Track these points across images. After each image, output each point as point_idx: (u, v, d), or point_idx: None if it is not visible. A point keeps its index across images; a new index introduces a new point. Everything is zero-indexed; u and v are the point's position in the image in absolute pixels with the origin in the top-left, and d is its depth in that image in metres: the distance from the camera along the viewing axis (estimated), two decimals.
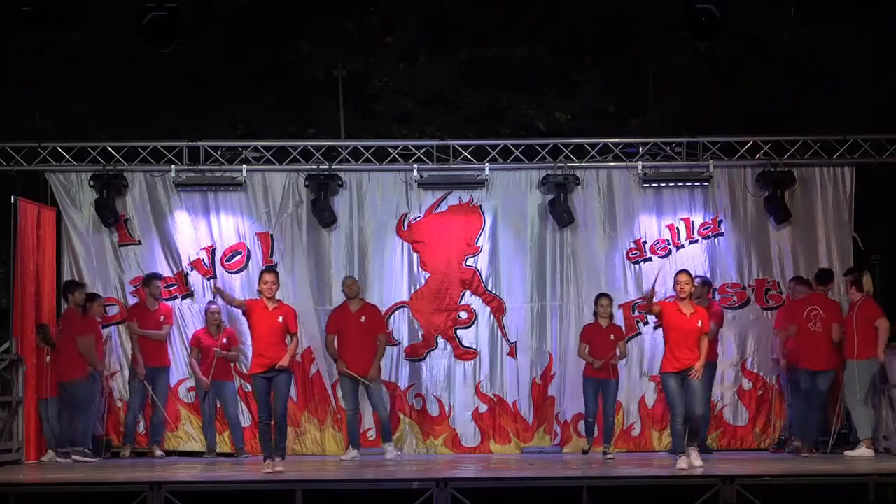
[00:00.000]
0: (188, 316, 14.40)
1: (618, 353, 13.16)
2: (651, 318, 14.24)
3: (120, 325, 14.34)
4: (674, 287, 11.60)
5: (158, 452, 13.98)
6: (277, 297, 11.74)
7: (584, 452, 13.33)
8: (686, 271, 11.73)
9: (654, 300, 11.73)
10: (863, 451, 12.69)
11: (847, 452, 12.79)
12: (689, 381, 11.37)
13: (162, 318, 14.11)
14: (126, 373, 14.21)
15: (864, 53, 15.79)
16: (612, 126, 16.23)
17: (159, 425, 14.09)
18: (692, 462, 11.33)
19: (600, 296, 13.38)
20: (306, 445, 14.27)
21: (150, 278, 14.14)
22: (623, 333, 13.49)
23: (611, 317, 13.34)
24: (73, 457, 13.26)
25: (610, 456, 12.98)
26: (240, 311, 12.28)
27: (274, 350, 11.45)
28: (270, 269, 12.20)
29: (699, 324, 11.44)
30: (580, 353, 13.31)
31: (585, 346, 13.23)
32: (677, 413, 11.43)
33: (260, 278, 11.70)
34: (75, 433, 13.42)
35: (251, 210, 14.53)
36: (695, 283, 13.17)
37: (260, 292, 11.59)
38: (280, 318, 11.50)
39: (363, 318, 13.49)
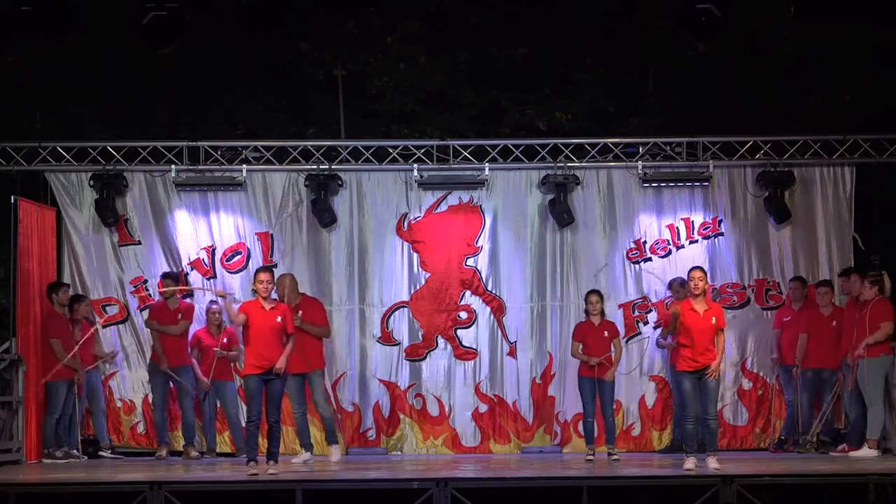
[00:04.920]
0: None
1: (612, 351, 12.92)
2: (651, 318, 14.27)
3: (120, 326, 14.34)
4: (687, 283, 11.51)
5: (194, 453, 13.76)
6: (274, 296, 11.63)
7: (589, 459, 12.70)
8: (700, 268, 11.58)
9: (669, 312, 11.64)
10: (866, 452, 12.66)
11: (851, 452, 12.77)
12: (706, 381, 11.22)
13: (180, 315, 13.99)
14: (129, 370, 14.24)
15: (864, 53, 15.76)
16: (612, 126, 16.20)
17: (191, 426, 13.89)
18: (710, 465, 11.06)
19: (590, 292, 13.16)
20: None
21: (162, 277, 14.12)
22: (618, 331, 13.20)
23: (602, 313, 13.03)
24: (57, 453, 13.27)
25: (615, 457, 12.81)
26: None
27: (271, 351, 11.25)
28: (266, 268, 11.92)
29: (713, 321, 11.24)
30: (574, 353, 13.05)
31: (579, 345, 12.96)
32: (690, 413, 11.31)
33: (255, 278, 11.49)
34: (62, 433, 13.42)
35: (251, 210, 14.53)
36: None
37: (255, 292, 11.48)
38: (278, 318, 11.33)
39: (300, 312, 12.84)
